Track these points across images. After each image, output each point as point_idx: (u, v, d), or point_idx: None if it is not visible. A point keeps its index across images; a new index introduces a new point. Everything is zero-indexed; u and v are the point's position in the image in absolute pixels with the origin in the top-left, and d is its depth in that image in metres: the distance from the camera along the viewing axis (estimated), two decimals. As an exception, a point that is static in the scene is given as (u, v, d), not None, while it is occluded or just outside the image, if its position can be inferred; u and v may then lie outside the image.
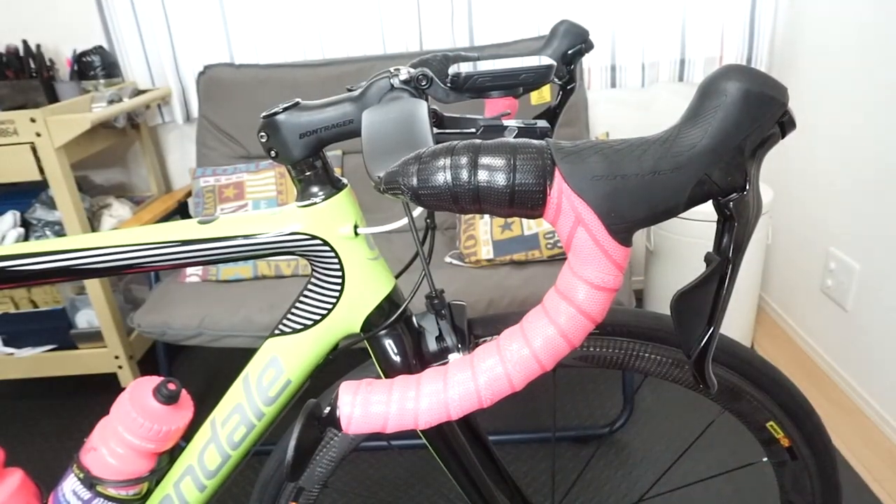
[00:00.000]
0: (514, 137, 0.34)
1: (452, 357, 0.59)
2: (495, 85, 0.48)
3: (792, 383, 0.63)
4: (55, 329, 1.67)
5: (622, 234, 0.28)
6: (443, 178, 0.28)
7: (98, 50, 1.70)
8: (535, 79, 0.48)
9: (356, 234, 0.55)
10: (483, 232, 1.47)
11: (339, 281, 0.56)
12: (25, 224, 1.65)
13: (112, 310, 1.58)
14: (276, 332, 0.58)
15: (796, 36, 1.65)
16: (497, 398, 0.31)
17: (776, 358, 1.69)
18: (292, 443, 0.33)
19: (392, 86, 0.49)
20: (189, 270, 1.54)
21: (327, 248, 0.55)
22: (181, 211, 1.81)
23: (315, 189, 0.54)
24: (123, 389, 0.58)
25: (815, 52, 1.56)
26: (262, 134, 0.51)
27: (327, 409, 0.33)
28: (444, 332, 0.59)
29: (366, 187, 1.68)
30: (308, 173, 0.53)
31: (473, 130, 0.52)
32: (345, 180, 0.56)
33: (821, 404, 1.49)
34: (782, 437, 0.64)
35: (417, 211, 0.54)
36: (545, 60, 0.47)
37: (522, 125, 0.52)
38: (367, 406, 0.32)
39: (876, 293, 1.37)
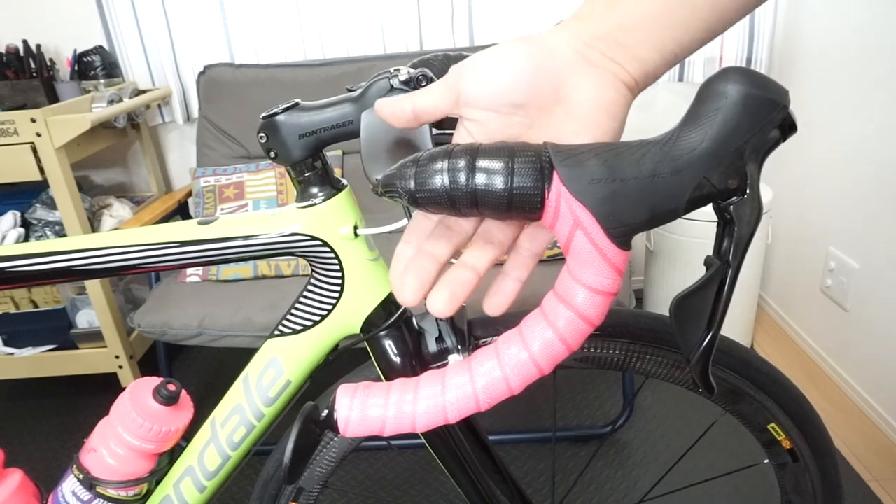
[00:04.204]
0: None
1: (452, 358, 0.59)
2: None
3: (793, 384, 0.63)
4: (55, 329, 1.67)
5: (621, 238, 0.28)
6: (440, 181, 0.28)
7: (98, 50, 1.70)
8: None
9: (356, 234, 0.55)
10: (483, 232, 1.47)
11: (339, 282, 0.56)
12: (26, 224, 1.65)
13: (112, 310, 1.58)
14: (276, 332, 0.58)
15: (796, 36, 1.65)
16: (495, 402, 0.31)
17: (776, 358, 1.69)
18: (289, 446, 0.33)
19: (392, 86, 0.49)
20: (189, 270, 1.54)
21: (327, 248, 0.55)
22: (181, 211, 1.81)
23: (315, 190, 0.54)
24: (124, 389, 0.58)
25: (815, 52, 1.56)
26: (262, 134, 0.51)
27: (325, 412, 0.33)
28: (444, 333, 0.59)
29: (365, 188, 1.67)
30: (308, 174, 0.53)
31: None
32: (345, 181, 0.56)
33: (821, 405, 1.49)
34: (783, 439, 0.64)
35: (417, 212, 0.54)
36: None
37: None
38: (364, 409, 0.32)
39: (876, 293, 1.37)
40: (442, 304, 0.31)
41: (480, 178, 0.28)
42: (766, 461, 0.67)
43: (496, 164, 0.28)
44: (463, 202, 0.28)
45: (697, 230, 1.56)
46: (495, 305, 0.34)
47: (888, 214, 1.32)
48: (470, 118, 0.32)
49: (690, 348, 0.30)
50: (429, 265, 0.32)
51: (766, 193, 1.62)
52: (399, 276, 0.32)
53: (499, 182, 0.28)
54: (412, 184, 0.29)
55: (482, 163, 0.28)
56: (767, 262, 1.84)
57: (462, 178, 0.28)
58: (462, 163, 0.28)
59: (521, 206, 0.28)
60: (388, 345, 0.58)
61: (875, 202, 1.36)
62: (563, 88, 0.31)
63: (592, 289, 0.28)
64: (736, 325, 1.68)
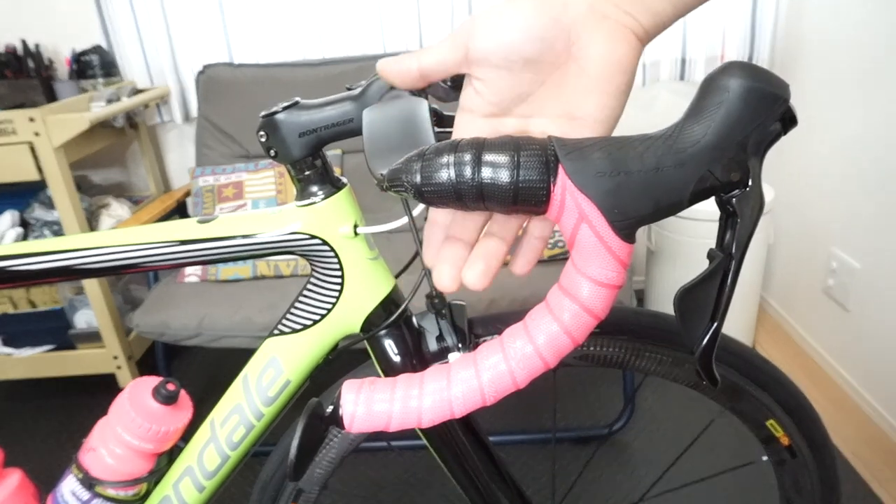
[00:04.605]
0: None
1: (453, 357, 0.59)
2: None
3: (791, 382, 0.63)
4: (54, 329, 1.67)
5: (626, 231, 0.28)
6: (446, 174, 0.28)
7: (97, 49, 1.70)
8: None
9: (356, 233, 0.54)
10: (483, 232, 1.47)
11: (339, 281, 0.56)
12: (24, 224, 1.65)
13: (111, 310, 1.58)
14: (276, 332, 0.58)
15: (797, 35, 1.65)
16: (500, 396, 0.31)
17: (777, 357, 1.69)
18: (295, 442, 0.32)
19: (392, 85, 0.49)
20: (188, 270, 1.54)
21: (327, 247, 0.54)
22: (180, 211, 1.81)
23: (314, 188, 0.53)
24: (122, 390, 0.58)
25: (817, 50, 1.56)
26: (262, 133, 0.51)
27: (330, 408, 0.32)
28: (445, 331, 0.59)
29: (366, 187, 1.67)
30: (307, 172, 0.53)
31: None
32: (344, 180, 0.56)
33: (821, 404, 1.49)
34: (782, 436, 0.64)
35: (417, 210, 0.53)
36: None
37: None
38: (370, 404, 0.32)
39: (877, 293, 1.37)
40: (477, 278, 0.32)
41: (486, 172, 0.28)
42: (765, 458, 0.67)
43: (502, 158, 0.28)
44: (469, 196, 0.29)
45: (698, 230, 1.56)
46: (524, 263, 0.35)
47: (890, 215, 1.32)
48: (479, 77, 0.31)
49: (694, 340, 0.30)
50: (461, 250, 0.33)
51: (767, 193, 1.62)
52: (434, 262, 0.33)
53: (504, 176, 0.28)
54: (418, 178, 0.29)
55: (488, 157, 0.28)
56: (769, 263, 1.84)
57: (468, 171, 0.28)
58: (468, 157, 0.28)
59: (527, 199, 0.28)
60: (389, 344, 0.58)
61: (877, 202, 1.36)
62: (577, 43, 0.30)
63: (597, 281, 0.28)
64: (737, 325, 1.68)
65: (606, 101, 0.30)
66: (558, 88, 0.31)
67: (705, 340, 0.30)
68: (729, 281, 0.29)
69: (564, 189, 0.28)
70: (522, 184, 0.28)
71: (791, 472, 0.66)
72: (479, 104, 0.32)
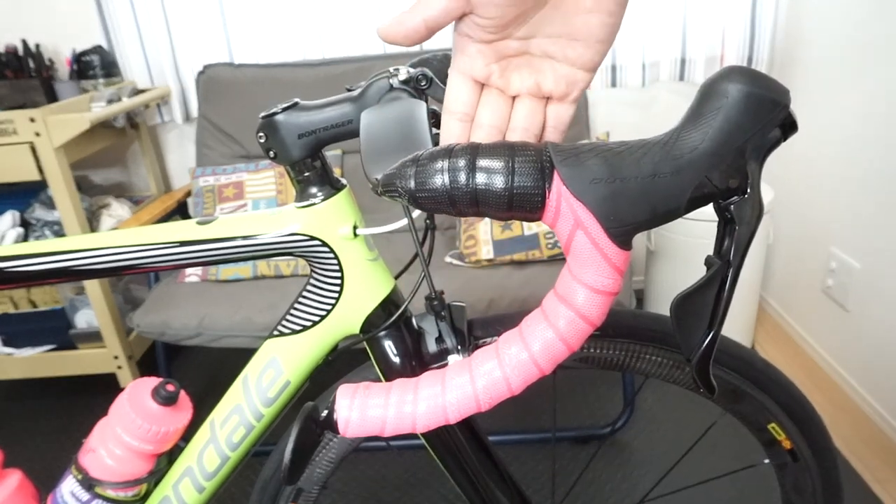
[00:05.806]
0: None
1: (452, 358, 0.59)
2: None
3: (793, 384, 0.63)
4: (54, 329, 1.67)
5: (622, 238, 0.28)
6: (440, 181, 0.28)
7: (97, 49, 1.70)
8: None
9: (355, 234, 0.54)
10: (483, 232, 1.47)
11: (339, 282, 0.56)
12: (25, 224, 1.65)
13: (111, 310, 1.58)
14: (276, 332, 0.58)
15: (797, 35, 1.65)
16: (495, 402, 0.31)
17: (777, 358, 1.69)
18: (289, 446, 0.32)
19: (391, 86, 0.49)
20: (188, 270, 1.54)
21: (326, 248, 0.54)
22: (181, 211, 1.81)
23: (314, 189, 0.54)
24: (122, 390, 0.58)
25: (816, 51, 1.56)
26: (261, 134, 0.51)
27: (325, 413, 0.32)
28: (444, 333, 0.59)
29: (365, 188, 1.67)
30: (307, 174, 0.53)
31: None
32: (344, 181, 0.56)
33: (821, 405, 1.49)
34: (784, 439, 0.64)
35: (417, 212, 0.53)
36: None
37: None
38: (364, 410, 0.31)
39: (877, 293, 1.37)
40: None
41: (481, 178, 0.28)
42: (767, 461, 0.67)
43: (496, 164, 0.28)
44: (463, 202, 0.28)
45: (698, 230, 1.56)
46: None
47: (890, 214, 1.32)
48: (483, 15, 0.30)
49: (691, 348, 0.30)
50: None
51: (767, 193, 1.61)
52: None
53: (499, 182, 0.28)
54: (412, 183, 0.29)
55: (482, 162, 0.28)
56: (768, 262, 1.84)
57: (462, 177, 0.28)
58: (462, 162, 0.28)
59: (522, 205, 0.28)
60: (388, 345, 0.58)
61: (877, 202, 1.36)
62: None
63: (593, 288, 0.28)
64: (737, 325, 1.68)
65: (606, 20, 0.30)
66: (558, 9, 0.30)
67: (702, 348, 0.30)
68: (727, 288, 0.29)
69: (560, 195, 0.28)
70: (517, 190, 0.28)
71: (792, 474, 0.66)
72: (477, 32, 0.31)
